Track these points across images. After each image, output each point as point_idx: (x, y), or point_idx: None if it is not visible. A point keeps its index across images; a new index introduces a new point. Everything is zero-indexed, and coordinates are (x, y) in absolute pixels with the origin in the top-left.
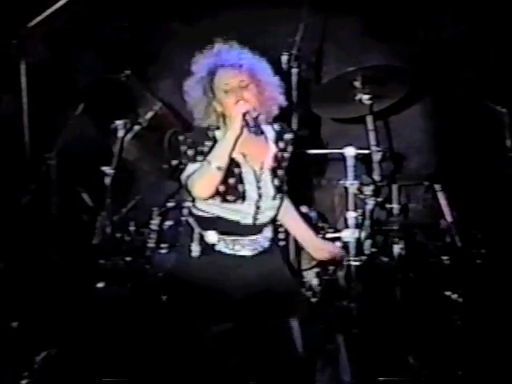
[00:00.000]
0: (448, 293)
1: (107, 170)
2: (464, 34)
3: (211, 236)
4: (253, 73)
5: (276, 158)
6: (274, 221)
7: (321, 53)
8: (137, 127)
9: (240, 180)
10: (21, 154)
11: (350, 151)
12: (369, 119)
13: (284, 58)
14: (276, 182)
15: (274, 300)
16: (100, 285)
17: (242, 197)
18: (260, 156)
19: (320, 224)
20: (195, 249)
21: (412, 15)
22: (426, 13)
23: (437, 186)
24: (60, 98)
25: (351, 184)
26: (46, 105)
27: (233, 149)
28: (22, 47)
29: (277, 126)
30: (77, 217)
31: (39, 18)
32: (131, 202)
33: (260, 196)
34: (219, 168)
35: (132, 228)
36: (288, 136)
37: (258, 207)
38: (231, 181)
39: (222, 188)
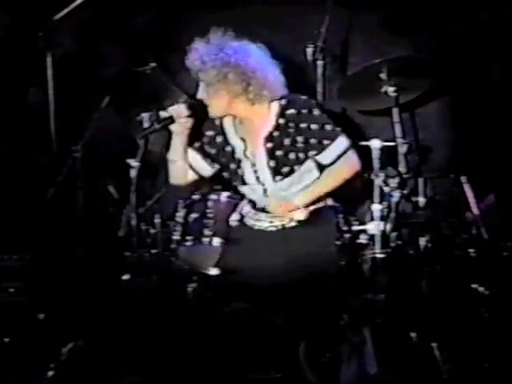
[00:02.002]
0: (474, 285)
1: (133, 162)
2: (490, 26)
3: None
4: (227, 66)
5: (271, 137)
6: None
7: (346, 45)
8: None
9: (238, 165)
10: (47, 146)
11: (375, 143)
12: (395, 111)
13: (309, 51)
14: (272, 163)
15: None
16: (125, 277)
17: (243, 182)
18: (258, 138)
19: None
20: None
21: (438, 7)
22: (453, 5)
23: (463, 179)
24: (86, 90)
25: (377, 176)
26: (72, 97)
27: (182, 144)
28: (48, 40)
29: (284, 101)
30: (103, 209)
31: (65, 11)
32: (156, 194)
33: (258, 179)
34: (173, 161)
35: (157, 220)
36: (290, 112)
37: (264, 190)
38: (232, 166)
39: (226, 174)
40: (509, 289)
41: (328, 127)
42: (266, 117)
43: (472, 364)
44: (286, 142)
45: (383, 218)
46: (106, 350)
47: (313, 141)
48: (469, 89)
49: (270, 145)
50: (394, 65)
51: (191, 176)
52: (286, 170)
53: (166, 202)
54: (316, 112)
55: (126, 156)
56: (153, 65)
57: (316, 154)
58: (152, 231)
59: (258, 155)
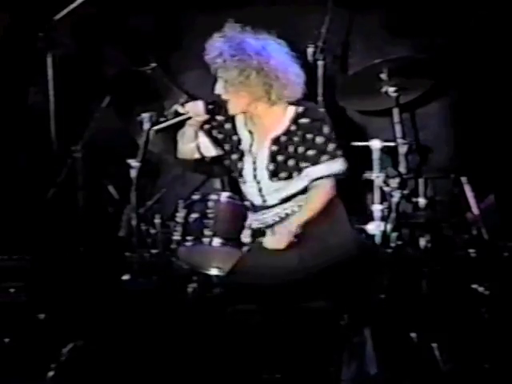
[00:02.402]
0: (475, 286)
1: (133, 162)
2: (489, 25)
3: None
4: (250, 67)
5: (278, 141)
6: (284, 202)
7: (347, 45)
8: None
9: (240, 157)
10: (47, 146)
11: (375, 144)
12: (395, 111)
13: (310, 51)
14: (271, 166)
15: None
16: (126, 277)
17: (240, 175)
18: (265, 137)
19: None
20: None
21: (437, 7)
22: (452, 5)
23: (463, 179)
24: (86, 90)
25: (377, 177)
26: (72, 97)
27: (194, 133)
28: (48, 40)
29: (301, 109)
30: (103, 209)
31: (66, 11)
32: (157, 194)
33: (255, 177)
34: (183, 143)
35: (157, 221)
36: (303, 120)
37: (259, 189)
38: (234, 156)
39: (227, 162)
40: (509, 289)
41: (331, 145)
42: (279, 119)
43: (472, 364)
44: (290, 148)
45: (383, 219)
46: (106, 350)
47: (311, 153)
48: (469, 89)
49: (274, 148)
50: (394, 65)
51: (196, 155)
52: (284, 175)
53: (166, 202)
54: (326, 128)
55: (126, 156)
56: (153, 65)
57: (308, 165)
58: (152, 231)
59: (260, 154)
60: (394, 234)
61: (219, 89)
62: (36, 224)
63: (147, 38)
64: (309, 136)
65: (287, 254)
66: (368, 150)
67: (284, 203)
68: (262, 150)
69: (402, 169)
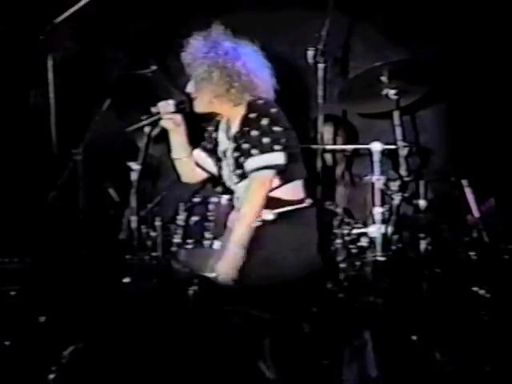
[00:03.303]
0: (475, 288)
1: (133, 165)
2: (488, 28)
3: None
4: (215, 65)
5: (235, 140)
6: None
7: (347, 48)
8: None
9: (220, 162)
10: (48, 149)
11: (376, 146)
12: (395, 114)
13: (310, 53)
14: (233, 165)
15: None
16: (126, 280)
17: (219, 179)
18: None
19: (346, 219)
20: None
21: (437, 11)
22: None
23: (464, 182)
24: (87, 93)
25: (377, 179)
26: (72, 100)
27: (180, 141)
28: (49, 43)
29: (251, 105)
30: (103, 212)
31: (66, 14)
32: (157, 197)
33: (230, 179)
34: (177, 159)
35: (158, 223)
36: (250, 115)
37: (231, 192)
38: (219, 164)
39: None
40: (509, 292)
41: (265, 140)
42: (236, 118)
43: (473, 367)
44: (240, 143)
45: (384, 221)
46: (107, 353)
47: (245, 146)
48: (469, 92)
49: (232, 146)
50: (394, 68)
51: (201, 174)
52: (239, 172)
53: (167, 204)
54: (264, 121)
55: (126, 159)
56: (154, 68)
57: (244, 160)
58: (153, 234)
59: (228, 156)
60: (395, 237)
61: (189, 87)
62: (37, 227)
63: (147, 40)
64: (246, 129)
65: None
66: (369, 152)
67: None
68: (229, 151)
69: (403, 171)
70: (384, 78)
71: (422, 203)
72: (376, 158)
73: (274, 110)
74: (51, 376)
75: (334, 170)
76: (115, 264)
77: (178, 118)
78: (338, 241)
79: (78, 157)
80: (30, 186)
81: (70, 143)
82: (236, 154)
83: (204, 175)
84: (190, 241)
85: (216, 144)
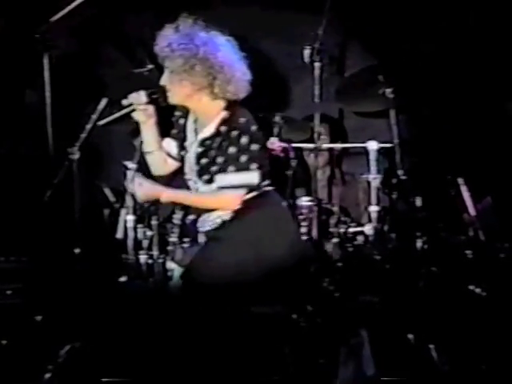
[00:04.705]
0: (471, 287)
1: (129, 164)
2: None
3: None
4: (195, 57)
5: (203, 144)
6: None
7: (344, 46)
8: None
9: (184, 154)
10: (43, 148)
11: (372, 145)
12: (392, 113)
13: (306, 52)
14: (195, 167)
15: None
16: (123, 279)
17: (183, 172)
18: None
19: (342, 218)
20: None
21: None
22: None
23: (460, 180)
24: (83, 92)
25: (374, 178)
26: (68, 99)
27: (151, 133)
28: (45, 41)
29: (226, 114)
30: (99, 211)
31: (62, 13)
32: None
33: (192, 176)
34: (148, 152)
35: (154, 222)
36: (223, 128)
37: (195, 189)
38: (182, 153)
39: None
40: (506, 290)
41: (243, 158)
42: (210, 122)
43: (469, 366)
44: (212, 153)
45: (380, 220)
46: (104, 351)
47: (220, 160)
48: (466, 89)
49: (199, 149)
50: (391, 67)
51: (172, 165)
52: (206, 177)
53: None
54: (244, 139)
55: (122, 158)
56: (150, 66)
57: (217, 173)
58: (149, 233)
59: (192, 155)
60: (391, 235)
61: (164, 80)
62: (33, 226)
63: (144, 39)
64: (224, 144)
65: (222, 259)
66: (365, 151)
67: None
68: (193, 151)
69: (399, 170)
70: (381, 77)
71: (418, 201)
72: (372, 156)
73: (254, 128)
74: (48, 375)
75: (327, 169)
76: (112, 263)
77: (151, 109)
78: (335, 239)
79: (74, 156)
80: (27, 185)
81: (65, 142)
82: (204, 161)
83: (175, 165)
84: (186, 239)
85: (183, 132)
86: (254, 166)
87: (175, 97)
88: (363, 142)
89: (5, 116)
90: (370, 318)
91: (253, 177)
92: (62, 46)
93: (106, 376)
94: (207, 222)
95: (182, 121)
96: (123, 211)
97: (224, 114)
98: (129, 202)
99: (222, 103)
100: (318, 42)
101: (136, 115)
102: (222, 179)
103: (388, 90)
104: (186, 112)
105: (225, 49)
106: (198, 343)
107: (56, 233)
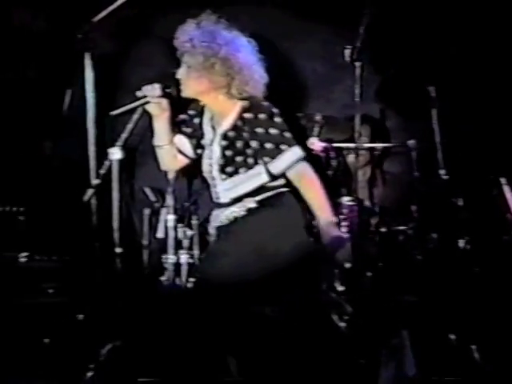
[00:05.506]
0: None
1: None
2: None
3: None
4: (216, 56)
5: (226, 137)
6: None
7: (385, 46)
8: None
9: (201, 153)
10: (84, 148)
11: (413, 144)
12: (433, 112)
13: (347, 52)
14: (221, 161)
15: None
16: (163, 278)
17: (200, 170)
18: (219, 131)
19: (384, 218)
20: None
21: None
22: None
23: (502, 180)
24: (124, 92)
25: (415, 177)
26: (109, 99)
27: (164, 127)
28: (87, 41)
29: (246, 103)
30: (140, 211)
31: (104, 13)
32: (193, 195)
33: (210, 172)
34: (159, 146)
35: (195, 222)
36: (247, 115)
37: (214, 185)
38: (197, 152)
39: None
40: None
41: (287, 134)
42: (229, 114)
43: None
44: (239, 144)
45: (421, 220)
46: (145, 350)
47: (269, 145)
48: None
49: (223, 143)
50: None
51: (181, 161)
52: (230, 170)
53: (204, 203)
54: (277, 119)
55: None
56: None
57: (269, 160)
58: (189, 233)
59: (214, 150)
60: (433, 235)
61: (181, 73)
62: (75, 225)
63: None
64: (259, 130)
65: (225, 259)
66: (406, 150)
67: (234, 204)
68: (215, 145)
69: (441, 169)
70: (422, 76)
71: (459, 201)
72: (413, 156)
73: (277, 110)
74: (89, 374)
75: (368, 169)
76: (152, 263)
77: (165, 102)
78: (376, 239)
79: (115, 156)
80: (68, 185)
81: (105, 142)
82: (230, 153)
83: (184, 162)
84: None
85: (199, 131)
86: (295, 141)
87: (189, 90)
88: (404, 142)
89: (45, 116)
90: (411, 319)
91: (300, 150)
92: (104, 45)
93: (146, 375)
94: (220, 217)
95: (196, 120)
96: (164, 211)
97: (241, 103)
98: (169, 201)
99: (237, 101)
100: (358, 42)
101: (149, 108)
102: (283, 160)
103: (430, 89)
104: (200, 111)
105: (245, 50)
106: (235, 344)
107: (97, 232)
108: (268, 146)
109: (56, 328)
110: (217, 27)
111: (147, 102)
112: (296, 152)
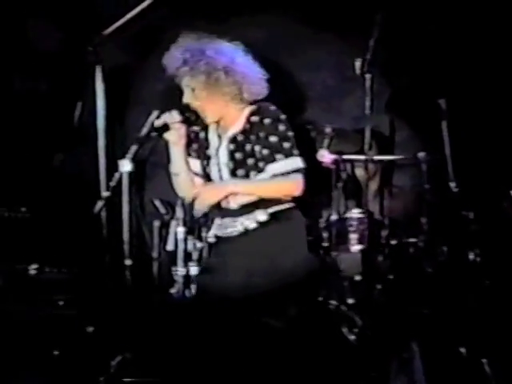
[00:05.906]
0: None
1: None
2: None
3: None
4: (217, 69)
5: (235, 140)
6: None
7: (395, 58)
8: None
9: (207, 163)
10: (95, 160)
11: (423, 157)
12: (444, 124)
13: (357, 64)
14: (231, 164)
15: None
16: (173, 290)
17: (209, 180)
18: (226, 137)
19: (394, 230)
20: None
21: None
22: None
23: None
24: (134, 104)
25: (425, 190)
26: (120, 111)
27: (181, 155)
28: (97, 54)
29: (254, 107)
30: (149, 224)
31: (115, 26)
32: None
33: (221, 178)
34: (175, 174)
35: (205, 234)
36: (254, 118)
37: None
38: (203, 163)
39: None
40: None
41: (286, 144)
42: (236, 118)
43: None
44: (248, 147)
45: (431, 232)
46: (155, 362)
47: (265, 152)
48: None
49: (231, 146)
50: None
51: (199, 185)
52: (241, 172)
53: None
54: (281, 126)
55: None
56: None
57: (264, 166)
58: (199, 245)
59: (221, 155)
60: (443, 248)
61: (188, 98)
62: (85, 237)
63: None
64: (262, 135)
65: (234, 271)
66: (416, 163)
67: (243, 215)
68: (223, 150)
69: (451, 182)
70: (432, 88)
71: (470, 214)
72: (423, 168)
73: (284, 116)
74: None
75: (378, 181)
76: (162, 275)
77: (183, 129)
78: (386, 251)
79: (125, 168)
80: (78, 197)
81: (116, 154)
82: (239, 156)
83: (201, 183)
84: None
85: (204, 144)
86: (296, 151)
87: (212, 115)
88: (415, 154)
89: (56, 129)
90: (421, 332)
91: (298, 161)
92: (114, 58)
93: None
94: (227, 227)
95: (202, 134)
96: (173, 223)
97: (250, 107)
98: (179, 213)
99: (247, 106)
100: (369, 54)
101: (169, 135)
102: (273, 168)
103: (440, 101)
104: (204, 125)
105: (237, 53)
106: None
107: (107, 244)
108: (265, 152)
109: (66, 340)
110: (201, 43)
111: (168, 129)
112: (290, 163)
